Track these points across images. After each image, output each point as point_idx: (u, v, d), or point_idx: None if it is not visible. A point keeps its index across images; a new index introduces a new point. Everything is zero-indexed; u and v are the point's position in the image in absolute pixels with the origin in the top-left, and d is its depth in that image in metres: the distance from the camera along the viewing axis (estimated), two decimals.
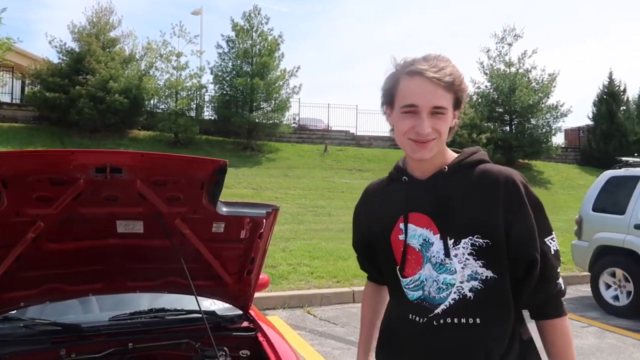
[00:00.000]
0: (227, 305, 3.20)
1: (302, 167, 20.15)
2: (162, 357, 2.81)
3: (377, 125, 23.92)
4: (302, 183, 17.74)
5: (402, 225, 1.73)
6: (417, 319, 1.69)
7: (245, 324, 3.14)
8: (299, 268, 8.60)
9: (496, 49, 24.38)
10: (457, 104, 1.65)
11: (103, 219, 2.41)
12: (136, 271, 2.79)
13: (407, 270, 1.72)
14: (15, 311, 2.85)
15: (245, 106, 21.98)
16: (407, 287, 1.73)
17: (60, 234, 2.42)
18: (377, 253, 1.86)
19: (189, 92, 22.09)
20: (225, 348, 2.79)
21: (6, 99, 22.61)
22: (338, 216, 13.37)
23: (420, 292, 1.70)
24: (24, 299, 2.66)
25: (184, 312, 3.08)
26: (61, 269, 2.61)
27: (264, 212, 2.57)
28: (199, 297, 3.12)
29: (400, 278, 1.75)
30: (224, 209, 2.46)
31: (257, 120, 21.76)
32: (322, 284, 7.96)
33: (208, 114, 23.49)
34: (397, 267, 1.76)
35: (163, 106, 22.05)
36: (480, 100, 24.37)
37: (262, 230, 2.68)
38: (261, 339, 2.93)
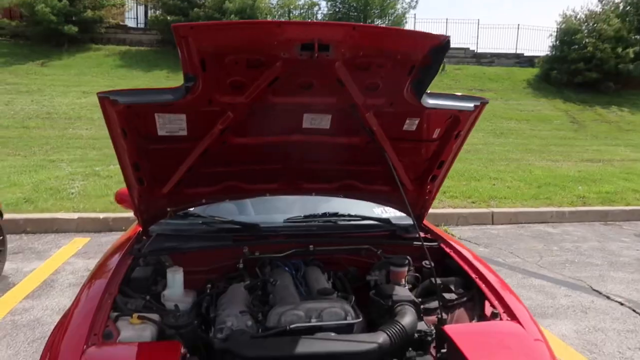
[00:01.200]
0: (399, 213, 2.96)
1: None
2: (341, 262, 2.67)
3: (501, 41, 21.85)
4: None
5: None
6: None
7: (420, 234, 2.89)
8: None
9: None
10: None
11: (291, 112, 2.19)
12: (314, 172, 2.60)
13: None
14: (194, 208, 2.86)
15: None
16: None
17: (247, 128, 2.25)
18: None
19: (302, 11, 21.63)
20: (408, 257, 2.57)
21: (131, 23, 23.78)
22: None
23: None
24: (205, 195, 2.61)
25: (358, 218, 2.90)
26: (242, 166, 2.49)
27: (472, 105, 2.19)
28: (368, 203, 2.94)
29: None
30: (430, 101, 2.12)
31: None
32: (457, 204, 7.58)
33: None
34: None
35: None
36: (628, 8, 21.01)
37: (462, 129, 2.32)
38: (448, 250, 2.67)
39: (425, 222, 3.02)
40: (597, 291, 4.85)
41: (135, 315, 1.92)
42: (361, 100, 2.10)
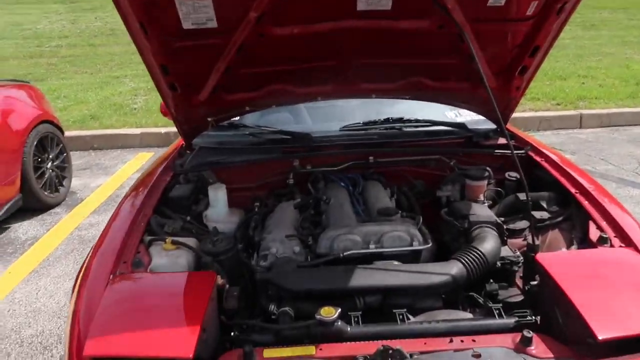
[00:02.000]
0: (476, 116, 2.49)
1: None
2: (407, 175, 2.30)
3: None
4: None
5: None
6: None
7: (502, 140, 2.43)
8: None
9: None
10: None
11: None
12: (374, 68, 2.15)
13: None
14: (238, 117, 2.54)
15: None
16: None
17: (287, 14, 1.82)
18: None
19: None
20: (488, 168, 2.14)
21: None
22: None
23: None
24: (248, 101, 2.27)
25: (427, 123, 2.46)
26: (287, 64, 2.10)
27: None
28: (439, 106, 2.48)
29: None
30: None
31: None
32: (539, 106, 6.79)
33: None
34: None
35: None
36: None
37: (567, 0, 1.76)
38: (538, 158, 2.20)
39: (508, 126, 2.53)
40: None
41: (169, 240, 1.69)
42: None
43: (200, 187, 2.19)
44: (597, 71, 8.49)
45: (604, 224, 1.68)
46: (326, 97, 2.30)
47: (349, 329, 1.35)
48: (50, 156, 4.56)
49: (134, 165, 5.63)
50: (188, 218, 1.97)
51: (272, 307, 1.48)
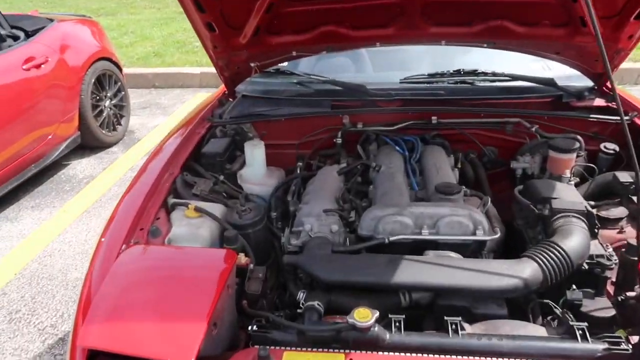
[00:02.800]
0: (569, 71, 2.05)
1: None
2: (476, 140, 1.94)
3: None
4: None
5: None
6: None
7: (600, 102, 1.99)
8: None
9: None
10: None
11: None
12: (446, 8, 1.77)
13: None
14: (286, 63, 2.25)
15: None
16: None
17: None
18: None
19: None
20: (578, 137, 1.74)
21: None
22: None
23: None
24: (296, 45, 1.97)
25: (506, 77, 2.06)
26: (340, 1, 1.77)
27: None
28: (523, 56, 2.05)
29: None
30: None
31: None
32: (638, 56, 5.92)
33: None
34: None
35: None
36: None
37: None
38: None
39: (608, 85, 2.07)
40: None
41: (191, 206, 1.49)
42: None
43: (239, 141, 1.97)
44: None
45: None
46: (386, 43, 1.95)
47: (387, 336, 1.11)
48: (109, 94, 4.51)
49: (192, 105, 5.52)
50: (221, 177, 1.76)
51: (301, 295, 1.25)
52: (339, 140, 1.95)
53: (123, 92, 4.74)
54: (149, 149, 4.41)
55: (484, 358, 1.05)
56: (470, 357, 1.06)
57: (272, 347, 1.07)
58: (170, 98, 5.80)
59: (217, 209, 1.52)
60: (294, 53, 2.02)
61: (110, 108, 4.53)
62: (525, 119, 1.87)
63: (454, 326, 1.13)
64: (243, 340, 1.23)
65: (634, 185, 1.53)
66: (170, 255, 1.30)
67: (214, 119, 2.03)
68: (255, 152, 1.83)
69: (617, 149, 1.77)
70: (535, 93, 2.02)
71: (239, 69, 2.08)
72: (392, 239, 1.34)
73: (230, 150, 1.91)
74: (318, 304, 1.18)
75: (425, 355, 1.05)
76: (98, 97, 4.34)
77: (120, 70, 4.74)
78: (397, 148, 1.85)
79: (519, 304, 1.27)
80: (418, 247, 1.35)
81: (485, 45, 1.90)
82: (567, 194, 1.48)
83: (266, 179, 1.84)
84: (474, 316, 1.20)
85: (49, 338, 2.36)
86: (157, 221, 1.46)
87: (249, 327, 1.18)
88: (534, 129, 1.84)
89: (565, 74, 2.08)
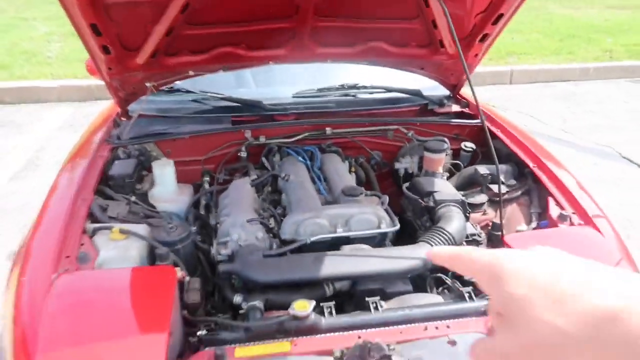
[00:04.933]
0: (431, 83, 2.43)
1: None
2: (363, 146, 2.22)
3: None
4: None
5: None
6: None
7: (456, 108, 2.40)
8: None
9: None
10: None
11: None
12: (331, 32, 2.02)
13: None
14: (181, 82, 2.32)
15: None
16: None
17: None
18: None
19: None
20: (446, 140, 2.11)
21: None
22: None
23: None
24: (193, 65, 2.06)
25: (381, 89, 2.38)
26: (237, 25, 1.91)
27: None
28: (392, 71, 2.39)
29: None
30: None
31: None
32: None
33: None
34: None
35: None
36: None
37: None
38: (494, 129, 2.20)
39: (462, 93, 2.51)
40: (627, 159, 4.50)
41: (115, 229, 1.52)
42: None
43: (144, 161, 2.00)
44: (524, 25, 8.72)
45: (562, 199, 1.71)
46: (278, 61, 2.14)
47: (323, 321, 1.30)
48: None
49: (53, 122, 5.14)
50: (133, 198, 1.79)
51: (238, 298, 1.39)
52: (244, 154, 2.08)
53: None
54: (13, 172, 4.05)
55: (402, 326, 1.29)
56: (391, 327, 1.29)
57: (225, 346, 1.20)
58: (25, 114, 5.32)
59: (141, 229, 1.57)
60: (191, 72, 2.10)
61: None
62: (402, 125, 2.20)
63: (374, 304, 1.36)
64: (188, 347, 1.32)
65: (491, 176, 1.92)
66: (110, 276, 1.33)
67: (115, 141, 2.03)
68: (165, 171, 1.89)
69: (474, 147, 2.18)
70: (407, 102, 2.37)
71: (134, 89, 2.09)
72: (313, 239, 1.53)
73: (137, 170, 1.94)
74: (259, 303, 1.33)
75: (355, 331, 1.26)
76: None
77: None
78: (299, 158, 2.05)
79: (419, 280, 1.55)
80: (335, 244, 1.56)
81: (365, 62, 2.19)
82: (445, 187, 1.82)
83: (178, 196, 1.91)
84: (387, 295, 1.45)
85: None
86: (82, 247, 1.47)
87: (198, 332, 1.28)
88: (410, 134, 2.18)
89: (426, 86, 2.46)
